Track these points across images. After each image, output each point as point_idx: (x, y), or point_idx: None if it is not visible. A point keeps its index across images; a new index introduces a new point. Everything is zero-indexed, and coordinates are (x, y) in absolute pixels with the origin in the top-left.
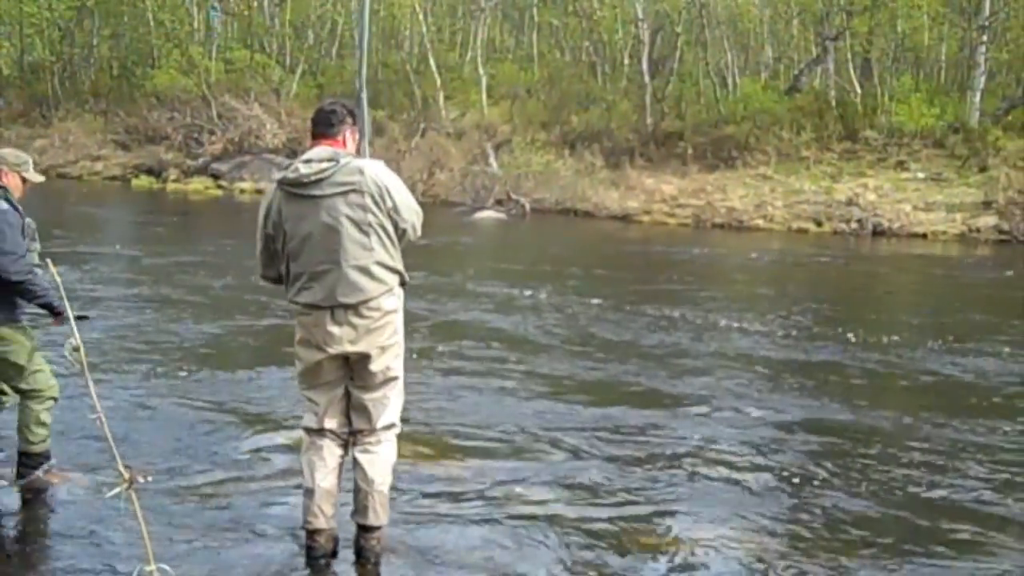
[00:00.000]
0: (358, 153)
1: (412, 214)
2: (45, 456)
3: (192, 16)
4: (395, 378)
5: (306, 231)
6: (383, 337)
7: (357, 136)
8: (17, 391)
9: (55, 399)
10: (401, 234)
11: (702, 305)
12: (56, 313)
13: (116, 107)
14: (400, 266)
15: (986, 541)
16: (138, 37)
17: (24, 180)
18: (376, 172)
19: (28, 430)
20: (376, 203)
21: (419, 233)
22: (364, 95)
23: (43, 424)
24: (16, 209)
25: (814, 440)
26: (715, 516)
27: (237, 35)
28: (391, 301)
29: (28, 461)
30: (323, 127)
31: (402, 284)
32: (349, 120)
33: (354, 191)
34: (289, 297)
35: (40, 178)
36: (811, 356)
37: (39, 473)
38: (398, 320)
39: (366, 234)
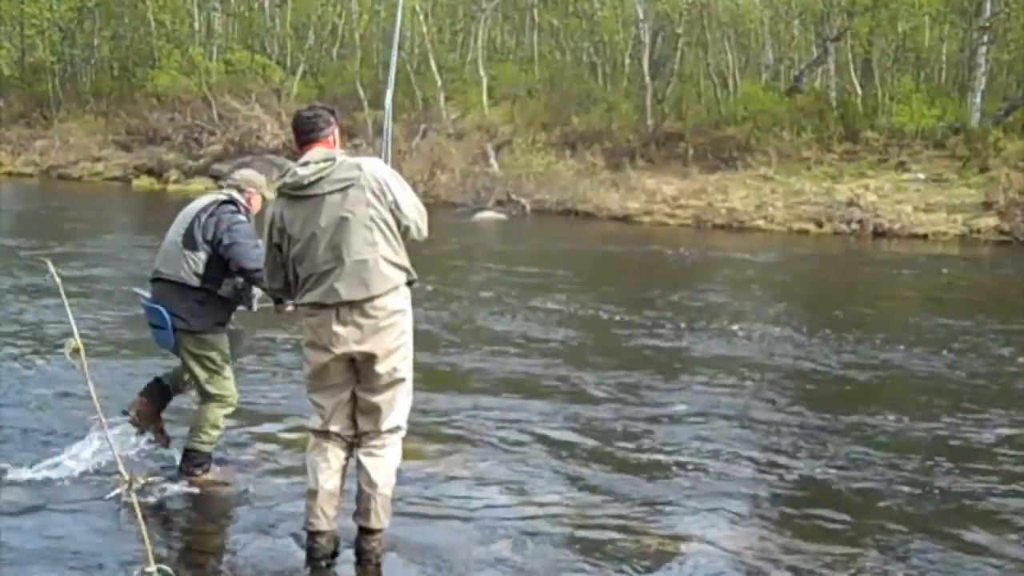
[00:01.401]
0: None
1: (414, 211)
2: (209, 457)
3: (193, 17)
4: (402, 380)
5: (310, 232)
6: (390, 338)
7: (341, 136)
8: (201, 392)
9: (234, 406)
10: (404, 231)
11: (687, 310)
12: (279, 301)
13: (117, 108)
14: (406, 263)
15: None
16: (139, 38)
17: (263, 198)
18: (374, 168)
19: (202, 430)
20: (377, 197)
21: (424, 233)
22: (389, 116)
23: (218, 428)
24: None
25: (796, 436)
26: (708, 513)
27: (238, 36)
28: (397, 300)
29: (195, 458)
30: (314, 132)
31: (409, 283)
32: (333, 120)
33: (353, 187)
34: (295, 300)
35: (271, 195)
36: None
37: (201, 472)
38: (405, 321)
39: (369, 229)
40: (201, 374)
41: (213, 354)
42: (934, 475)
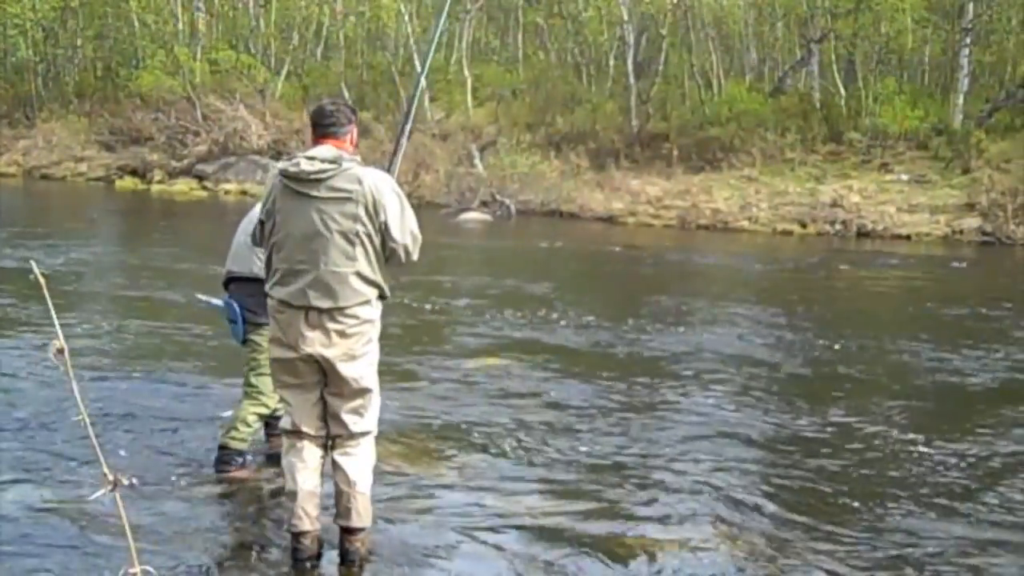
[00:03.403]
0: (389, 167)
1: (406, 236)
2: (240, 453)
3: (176, 17)
4: (369, 389)
5: (293, 227)
6: (357, 344)
7: (357, 137)
8: (246, 383)
9: (268, 408)
10: (390, 253)
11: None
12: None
13: (100, 108)
14: (380, 279)
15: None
16: (122, 38)
17: None
18: (375, 184)
19: (235, 427)
20: (369, 215)
21: (414, 257)
22: (407, 131)
23: (248, 425)
24: None
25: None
26: (694, 517)
27: (222, 36)
28: (367, 311)
29: (223, 455)
30: (333, 127)
31: (381, 297)
32: (353, 119)
33: (349, 200)
34: (267, 288)
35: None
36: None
37: (232, 469)
38: (373, 331)
39: (351, 244)
40: (253, 364)
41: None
42: (922, 473)
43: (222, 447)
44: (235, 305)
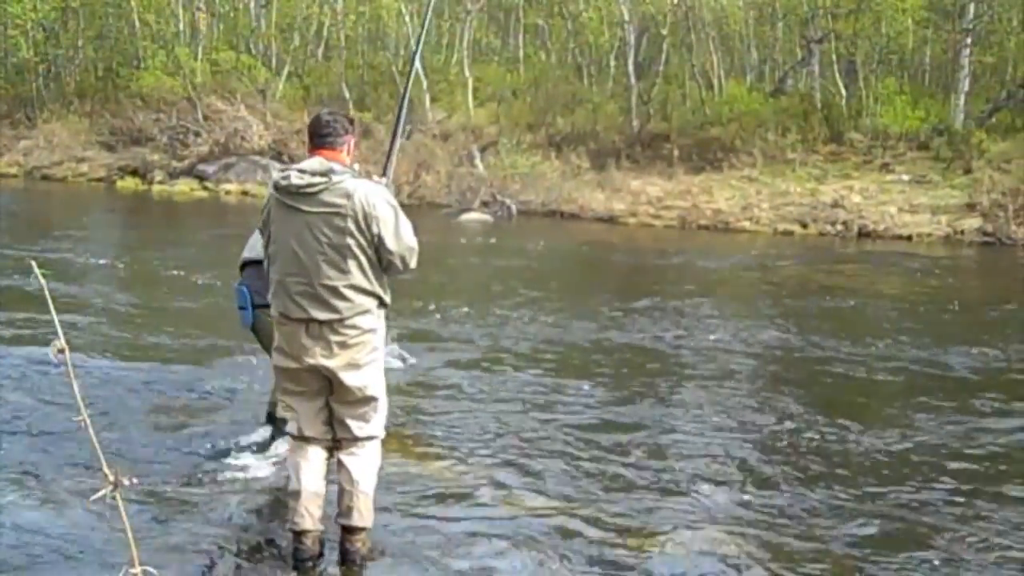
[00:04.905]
0: (385, 167)
1: (402, 247)
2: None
3: (177, 17)
4: (375, 397)
5: (285, 240)
6: (361, 354)
7: (355, 147)
8: None
9: None
10: (387, 264)
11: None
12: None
13: (101, 108)
14: (378, 289)
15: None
16: (123, 38)
17: None
18: (366, 198)
19: (273, 401)
20: (360, 229)
21: (412, 266)
22: (400, 133)
23: None
24: None
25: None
26: (697, 517)
27: (223, 36)
28: (368, 320)
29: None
30: (329, 138)
31: (382, 305)
32: (350, 129)
33: (338, 215)
34: (268, 297)
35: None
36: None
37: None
38: (376, 339)
39: (343, 257)
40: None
41: None
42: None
43: (278, 417)
44: (244, 291)
